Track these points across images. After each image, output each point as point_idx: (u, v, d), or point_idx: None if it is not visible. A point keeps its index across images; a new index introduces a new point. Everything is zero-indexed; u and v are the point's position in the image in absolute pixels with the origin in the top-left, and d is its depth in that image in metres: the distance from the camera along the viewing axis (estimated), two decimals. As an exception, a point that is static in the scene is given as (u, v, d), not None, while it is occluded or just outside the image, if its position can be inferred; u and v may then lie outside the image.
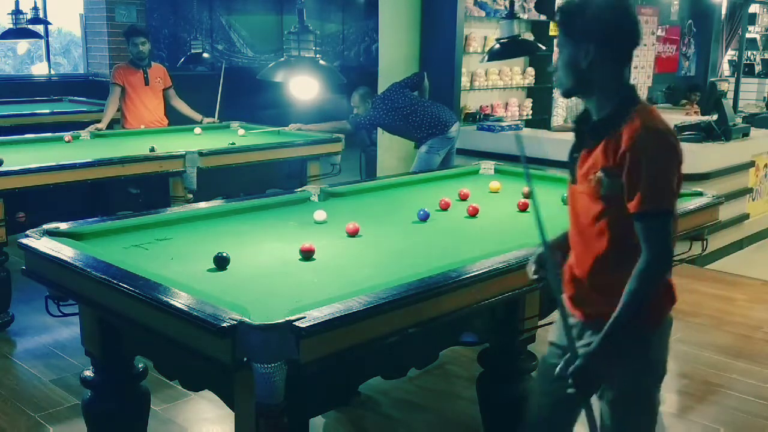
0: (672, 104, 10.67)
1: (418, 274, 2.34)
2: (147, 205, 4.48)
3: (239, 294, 2.22)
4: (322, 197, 3.63)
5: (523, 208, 3.47)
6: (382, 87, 6.51)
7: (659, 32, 10.86)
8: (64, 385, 3.71)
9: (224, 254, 2.55)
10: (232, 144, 5.35)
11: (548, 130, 7.49)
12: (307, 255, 2.67)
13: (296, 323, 1.90)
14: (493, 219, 3.41)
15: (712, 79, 11.09)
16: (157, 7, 10.53)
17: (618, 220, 1.97)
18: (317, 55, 3.61)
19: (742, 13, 10.94)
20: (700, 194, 3.61)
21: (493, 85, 7.80)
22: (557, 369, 2.02)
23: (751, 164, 6.51)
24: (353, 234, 2.98)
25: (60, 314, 2.65)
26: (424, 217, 3.29)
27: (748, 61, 12.81)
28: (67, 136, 5.51)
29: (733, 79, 10.84)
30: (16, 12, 8.04)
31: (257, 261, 2.70)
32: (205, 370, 2.17)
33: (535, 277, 2.23)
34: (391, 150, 6.95)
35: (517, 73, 8.13)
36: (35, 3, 8.55)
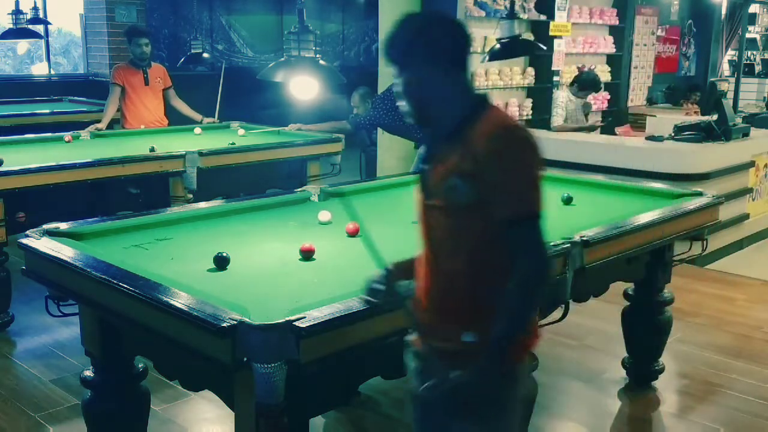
0: (672, 104, 10.68)
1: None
2: (147, 205, 4.47)
3: (239, 294, 2.22)
4: (322, 197, 3.63)
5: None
6: (382, 87, 6.50)
7: (659, 32, 10.87)
8: (64, 385, 3.71)
9: (224, 254, 2.56)
10: (232, 144, 5.35)
11: (548, 130, 7.48)
12: (307, 255, 2.67)
13: (296, 323, 1.90)
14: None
15: (712, 79, 11.11)
16: (157, 7, 10.53)
17: (473, 233, 1.80)
18: (317, 55, 3.61)
19: (742, 13, 10.93)
20: (700, 194, 3.61)
21: (493, 85, 7.80)
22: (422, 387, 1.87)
23: (751, 164, 6.50)
24: (353, 234, 2.98)
25: (60, 314, 2.66)
26: (424, 217, 3.27)
27: (748, 61, 12.82)
28: (67, 136, 5.51)
29: (733, 79, 10.83)
30: (16, 12, 8.02)
31: (257, 261, 2.70)
32: (205, 370, 2.17)
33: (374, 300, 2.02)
34: (391, 150, 6.95)
35: (517, 73, 8.13)
36: (35, 3, 8.54)
